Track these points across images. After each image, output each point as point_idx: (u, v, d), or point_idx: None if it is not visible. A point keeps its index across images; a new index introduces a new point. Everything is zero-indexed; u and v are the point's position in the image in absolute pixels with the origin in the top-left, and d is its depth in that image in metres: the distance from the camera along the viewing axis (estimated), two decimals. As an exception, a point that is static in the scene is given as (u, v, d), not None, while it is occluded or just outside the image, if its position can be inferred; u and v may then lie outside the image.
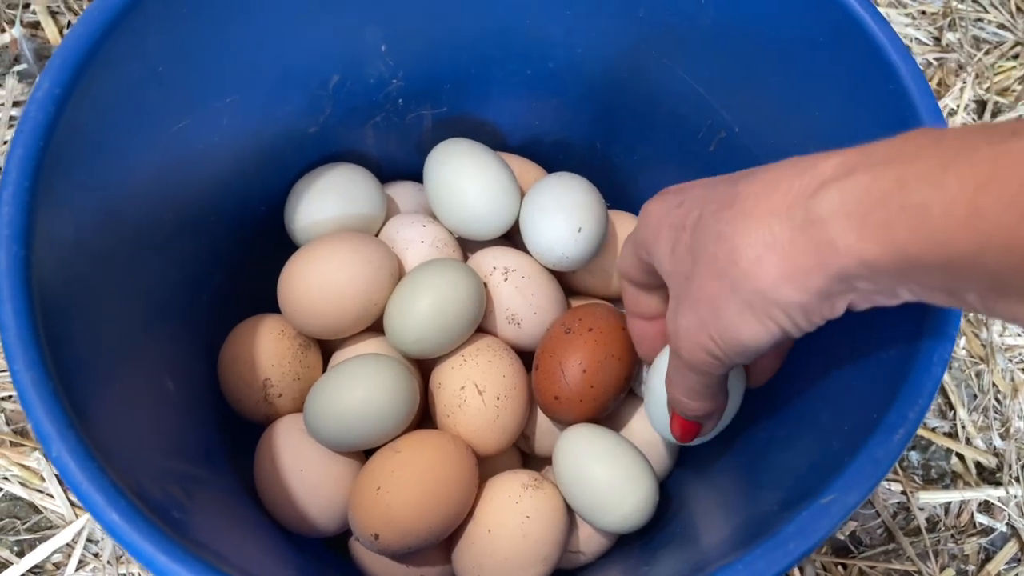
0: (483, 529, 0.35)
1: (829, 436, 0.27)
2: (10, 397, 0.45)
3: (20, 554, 0.42)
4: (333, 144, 0.41)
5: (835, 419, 0.28)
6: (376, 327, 0.38)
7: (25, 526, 0.43)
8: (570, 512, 0.37)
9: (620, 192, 0.44)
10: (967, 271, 0.18)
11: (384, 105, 0.41)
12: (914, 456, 0.51)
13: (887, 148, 0.20)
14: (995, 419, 0.52)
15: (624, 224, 0.42)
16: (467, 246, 0.42)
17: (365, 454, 0.36)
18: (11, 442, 0.44)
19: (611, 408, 0.38)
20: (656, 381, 0.32)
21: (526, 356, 0.39)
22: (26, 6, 0.53)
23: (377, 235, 0.41)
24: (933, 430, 0.51)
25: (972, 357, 0.53)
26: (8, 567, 0.42)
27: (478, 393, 0.36)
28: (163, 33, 0.29)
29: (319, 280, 0.36)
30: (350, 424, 0.34)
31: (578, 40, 0.38)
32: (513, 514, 0.35)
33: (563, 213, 0.38)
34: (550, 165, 0.44)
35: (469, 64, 0.40)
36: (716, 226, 0.23)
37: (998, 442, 0.51)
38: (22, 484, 0.43)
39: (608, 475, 0.35)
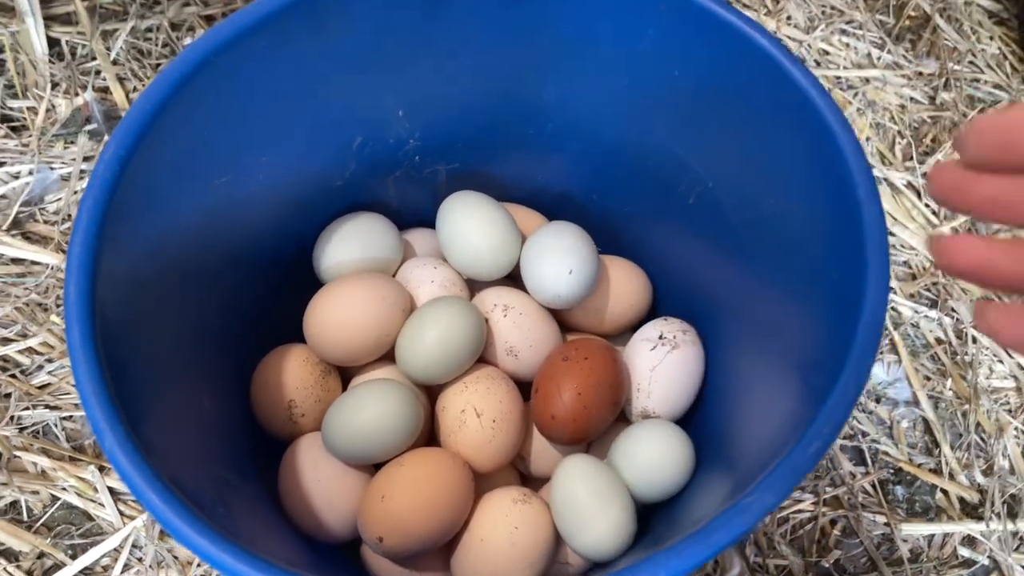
0: (477, 538, 0.39)
1: (770, 431, 0.31)
2: (70, 417, 0.51)
3: (73, 556, 0.48)
4: (357, 195, 0.46)
5: (761, 430, 0.32)
6: (389, 356, 0.43)
7: (79, 532, 0.48)
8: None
9: (615, 239, 0.48)
10: None
11: (403, 162, 0.46)
12: (899, 490, 0.53)
13: None
14: (978, 457, 0.54)
15: (618, 268, 0.47)
16: (473, 285, 0.47)
17: (374, 468, 0.41)
18: (70, 457, 0.50)
19: (602, 429, 0.42)
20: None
21: (523, 385, 0.44)
22: (97, 73, 0.60)
23: (394, 275, 0.46)
24: (919, 466, 0.54)
25: (958, 398, 0.56)
26: (63, 567, 0.47)
27: (476, 416, 0.40)
28: (209, 104, 0.34)
29: (340, 314, 0.41)
30: (361, 440, 0.39)
31: (573, 105, 0.43)
32: (503, 525, 0.39)
33: (556, 257, 0.43)
34: (553, 214, 0.49)
35: (478, 126, 0.45)
36: None
37: (981, 479, 0.53)
38: (78, 494, 0.49)
39: (587, 501, 0.39)
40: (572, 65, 0.41)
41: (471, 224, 0.44)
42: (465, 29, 0.39)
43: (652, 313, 0.48)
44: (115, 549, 0.48)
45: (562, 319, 0.46)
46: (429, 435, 0.43)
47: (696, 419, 0.44)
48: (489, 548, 0.39)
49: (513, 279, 0.47)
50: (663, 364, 0.43)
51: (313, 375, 0.42)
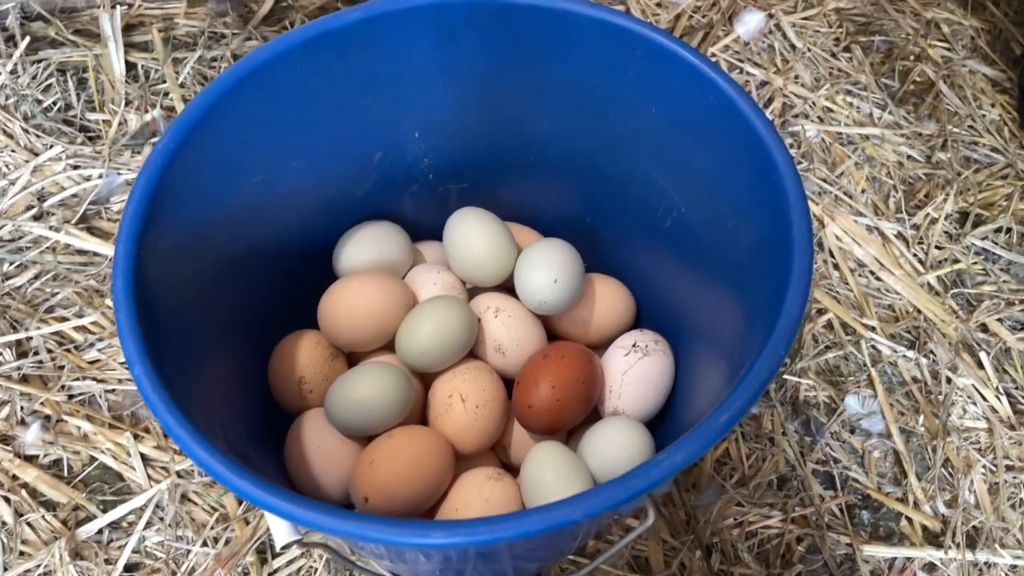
0: (453, 508, 0.44)
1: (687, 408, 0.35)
2: (113, 391, 0.57)
3: (104, 510, 0.53)
4: (376, 206, 0.52)
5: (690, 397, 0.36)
6: (391, 346, 0.49)
7: (111, 490, 0.54)
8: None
9: (605, 259, 0.54)
10: None
11: (418, 178, 0.52)
12: (865, 515, 0.57)
13: None
14: (943, 489, 0.57)
15: (604, 285, 0.52)
16: (472, 291, 0.52)
17: (368, 441, 0.46)
18: (109, 424, 0.56)
19: (574, 422, 0.46)
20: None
21: (508, 382, 0.49)
22: (166, 94, 0.68)
23: (403, 278, 0.52)
24: (886, 494, 0.57)
25: (929, 434, 0.59)
26: (93, 519, 0.53)
27: (461, 401, 0.46)
28: (248, 112, 0.41)
29: (350, 304, 0.47)
30: (358, 413, 0.44)
31: (568, 136, 0.49)
32: (476, 498, 0.44)
33: (544, 267, 0.48)
34: (550, 232, 0.54)
35: (484, 151, 0.51)
36: None
37: (944, 509, 0.56)
38: (113, 457, 0.55)
39: (551, 481, 0.43)
40: (567, 100, 0.47)
41: (474, 236, 0.50)
42: (474, 63, 0.46)
43: (634, 326, 0.53)
44: (141, 507, 0.54)
45: (551, 328, 0.51)
46: (420, 417, 0.48)
47: (666, 422, 0.49)
48: (463, 517, 0.43)
49: (508, 289, 0.52)
50: (634, 369, 0.47)
51: (323, 357, 0.48)
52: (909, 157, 0.73)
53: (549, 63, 0.46)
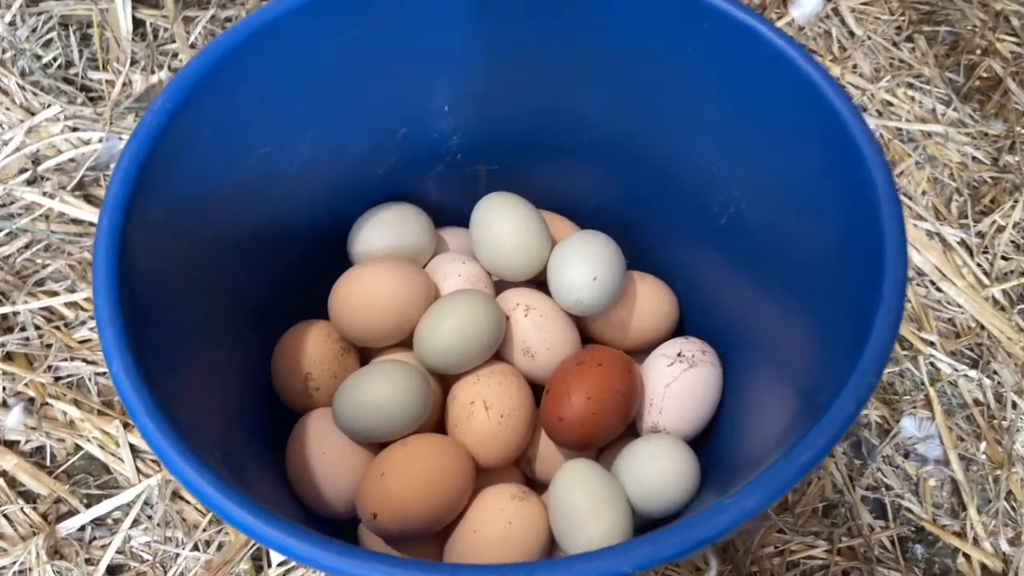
0: (471, 529, 0.39)
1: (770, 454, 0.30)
2: (104, 373, 0.53)
3: (88, 505, 0.49)
4: (397, 185, 0.47)
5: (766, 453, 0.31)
6: (408, 343, 0.44)
7: (96, 483, 0.50)
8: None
9: (645, 255, 0.48)
10: None
11: (444, 157, 0.47)
12: (919, 549, 0.52)
13: None
14: (1007, 525, 0.52)
15: (646, 285, 0.47)
16: (499, 285, 0.47)
17: (379, 449, 0.41)
18: (98, 411, 0.52)
19: (609, 438, 0.42)
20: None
21: (537, 388, 0.44)
22: (175, 55, 0.63)
23: (424, 267, 0.47)
24: (943, 527, 0.52)
25: (991, 462, 0.54)
26: (76, 514, 0.49)
27: (484, 408, 0.41)
28: (259, 73, 0.36)
29: (364, 295, 0.42)
30: (368, 417, 0.39)
31: (613, 118, 0.44)
32: (498, 519, 0.39)
33: (582, 263, 0.43)
34: (586, 224, 0.49)
35: (519, 132, 0.46)
36: None
37: (1007, 547, 0.51)
38: (100, 447, 0.50)
39: (583, 505, 0.38)
40: (616, 77, 0.42)
41: (504, 224, 0.45)
42: (516, 29, 0.40)
43: (677, 332, 0.48)
44: (128, 504, 0.49)
45: (585, 331, 0.46)
46: (438, 424, 0.43)
47: (709, 441, 0.44)
48: (482, 540, 0.39)
49: (539, 284, 0.47)
50: (678, 381, 0.42)
51: (332, 351, 0.43)
52: (974, 159, 0.67)
53: (600, 33, 0.40)
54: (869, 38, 0.72)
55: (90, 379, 0.52)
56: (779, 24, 0.72)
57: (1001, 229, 0.63)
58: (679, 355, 0.43)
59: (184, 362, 0.34)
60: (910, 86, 0.70)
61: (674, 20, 0.38)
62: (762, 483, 0.26)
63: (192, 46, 0.63)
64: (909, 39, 0.73)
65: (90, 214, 0.57)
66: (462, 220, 0.50)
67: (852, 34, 0.72)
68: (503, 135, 0.47)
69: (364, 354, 0.45)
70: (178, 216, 0.35)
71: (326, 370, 0.43)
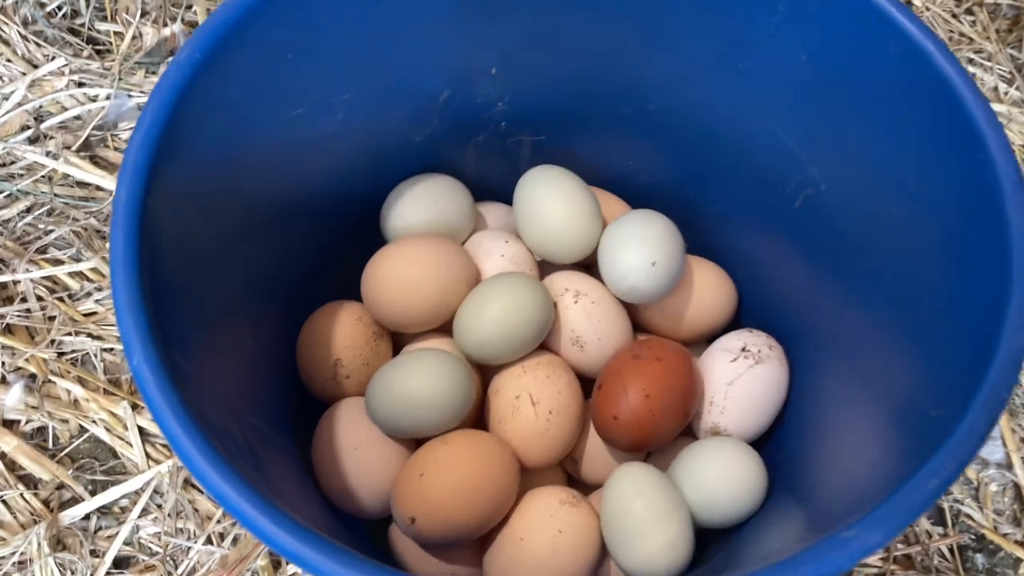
0: (516, 537, 0.36)
1: (868, 470, 0.27)
2: (111, 350, 0.49)
3: (93, 492, 0.46)
4: (435, 155, 0.43)
5: (853, 464, 0.28)
6: (445, 328, 0.40)
7: (102, 468, 0.46)
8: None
9: (702, 239, 0.45)
10: None
11: (487, 126, 0.43)
12: (980, 559, 0.48)
13: None
14: (1074, 535, 0.49)
15: (703, 271, 0.43)
16: (545, 268, 0.43)
17: (415, 444, 0.38)
18: (104, 390, 0.48)
19: (666, 440, 0.38)
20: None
21: (584, 381, 0.40)
22: (188, 7, 0.59)
23: (463, 244, 0.43)
24: (1004, 535, 0.49)
25: (1057, 468, 0.51)
26: (80, 502, 0.45)
27: (531, 404, 0.37)
28: (297, 25, 0.32)
29: (400, 274, 0.38)
30: (405, 410, 0.36)
31: (679, 86, 0.39)
32: (546, 526, 0.35)
33: (639, 245, 0.39)
34: (637, 203, 0.45)
35: (572, 97, 0.42)
36: None
37: (1074, 560, 0.48)
38: (107, 429, 0.47)
39: (642, 514, 0.35)
40: (686, 40, 0.38)
41: (552, 200, 0.41)
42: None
43: (734, 324, 0.44)
44: (136, 492, 0.46)
45: (635, 318, 0.43)
46: (477, 419, 0.40)
47: (771, 444, 0.40)
48: (527, 549, 0.35)
49: (587, 267, 0.43)
50: (742, 379, 0.39)
51: (364, 336, 0.39)
52: (1041, 141, 0.63)
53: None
54: (928, 9, 0.68)
55: (96, 355, 0.49)
56: (833, -8, 0.67)
57: (1068, 218, 0.59)
58: (743, 350, 0.39)
59: (206, 347, 0.30)
60: (971, 62, 0.66)
61: (761, -24, 0.34)
62: (886, 514, 0.23)
63: (207, -3, 0.59)
64: (969, 11, 0.69)
65: (97, 177, 0.52)
66: (500, 195, 0.47)
67: (910, 3, 0.68)
68: (554, 102, 0.42)
69: (397, 339, 0.42)
70: (204, 184, 0.31)
71: (357, 356, 0.39)
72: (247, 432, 0.31)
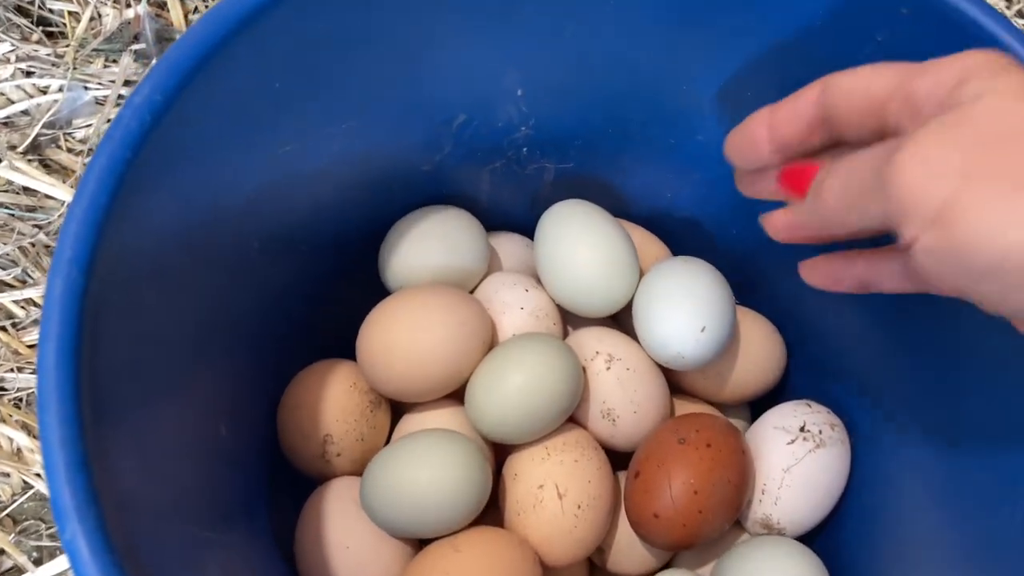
0: (540, 658, 0.30)
1: None
2: (62, 388, 0.43)
3: (38, 561, 0.39)
4: (444, 185, 0.37)
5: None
6: (453, 396, 0.34)
7: (48, 532, 0.40)
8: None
9: (747, 287, 0.39)
10: None
11: (507, 152, 0.37)
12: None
13: None
14: None
15: (749, 325, 0.37)
16: (570, 320, 0.37)
17: (420, 542, 0.32)
18: (53, 436, 0.41)
19: (713, 538, 0.33)
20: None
21: (615, 457, 0.35)
22: (156, -15, 0.51)
23: (473, 291, 0.37)
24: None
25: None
26: (23, 574, 0.39)
27: (558, 496, 0.32)
28: (288, 48, 0.25)
29: (406, 337, 0.32)
30: (410, 508, 0.30)
31: (741, 116, 0.33)
32: (577, 649, 0.30)
33: (686, 306, 0.33)
34: (673, 241, 0.40)
35: (608, 122, 0.36)
36: None
37: None
38: (55, 485, 0.41)
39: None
40: (755, 65, 0.31)
41: (582, 246, 0.35)
42: (630, -2, 0.30)
43: (779, 387, 0.39)
44: (88, 560, 0.39)
45: (672, 378, 0.37)
46: (488, 504, 0.34)
47: (824, 539, 0.35)
48: (552, 672, 0.30)
49: (615, 319, 0.38)
50: (801, 465, 0.33)
51: (359, 406, 0.33)
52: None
53: (733, 11, 0.30)
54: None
55: (44, 395, 0.42)
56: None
57: None
58: (802, 429, 0.34)
59: (158, 435, 0.25)
60: None
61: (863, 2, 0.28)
62: None
63: (178, -26, 0.51)
64: (1020, 14, 0.63)
65: (47, 185, 0.45)
66: (516, 224, 0.41)
67: None
68: (585, 127, 0.36)
69: (396, 406, 0.36)
70: (163, 246, 0.25)
71: (351, 431, 0.33)
72: (215, 524, 0.26)
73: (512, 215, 0.40)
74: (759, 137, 0.25)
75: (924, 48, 0.27)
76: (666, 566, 0.35)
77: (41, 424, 0.19)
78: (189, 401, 0.27)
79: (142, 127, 0.22)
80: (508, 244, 0.40)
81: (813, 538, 0.35)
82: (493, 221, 0.40)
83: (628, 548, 0.34)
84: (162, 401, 0.25)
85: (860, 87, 0.22)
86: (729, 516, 0.32)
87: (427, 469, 0.30)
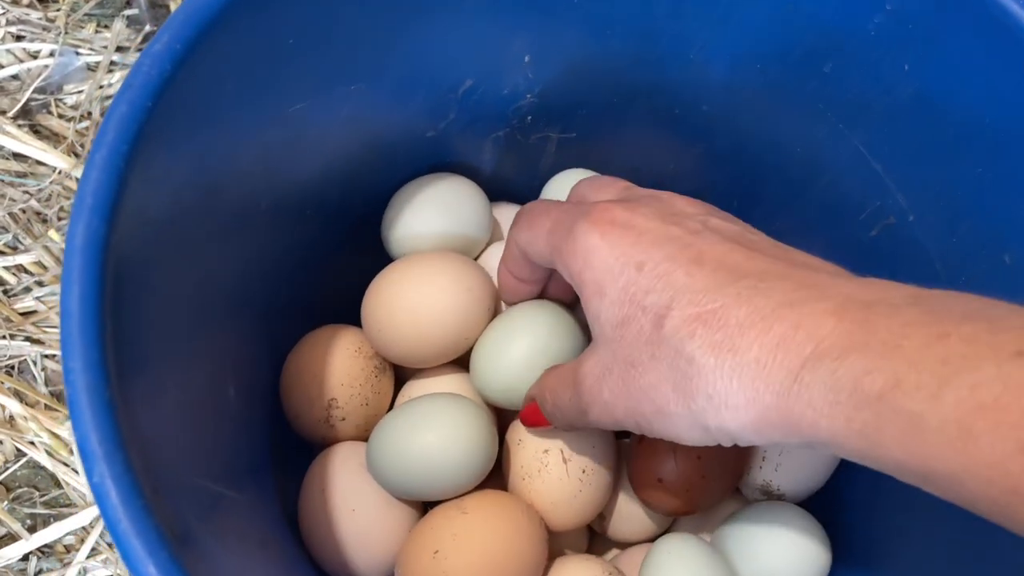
0: (544, 620, 0.30)
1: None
2: (54, 356, 0.42)
3: (32, 529, 0.39)
4: (448, 152, 0.37)
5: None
6: (458, 362, 0.34)
7: (43, 499, 0.40)
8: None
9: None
10: (945, 482, 0.18)
11: (511, 120, 0.37)
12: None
13: (888, 325, 0.19)
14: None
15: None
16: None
17: (425, 505, 0.32)
18: (46, 405, 0.41)
19: (714, 504, 0.33)
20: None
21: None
22: (150, -51, 0.50)
23: (476, 259, 0.37)
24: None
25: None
26: (16, 541, 0.39)
27: (563, 461, 0.32)
28: (303, 3, 0.25)
29: (411, 302, 0.32)
30: (417, 470, 0.30)
31: (746, 85, 0.34)
32: (581, 609, 0.30)
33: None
34: (673, 216, 0.40)
35: (614, 91, 0.36)
36: (691, 345, 0.22)
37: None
38: (49, 453, 0.40)
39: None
40: (759, 36, 0.32)
41: (585, 212, 0.35)
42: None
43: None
44: (83, 528, 0.39)
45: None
46: (493, 469, 0.34)
47: (824, 504, 0.35)
48: (557, 633, 0.30)
49: (619, 288, 0.38)
50: (801, 431, 0.34)
51: (364, 371, 0.33)
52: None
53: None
54: None
55: (36, 363, 0.42)
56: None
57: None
58: (802, 398, 0.34)
59: (173, 390, 0.24)
60: None
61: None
62: None
63: (171, -60, 0.51)
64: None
65: (38, 150, 0.45)
66: (517, 195, 0.41)
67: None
68: (592, 95, 0.36)
69: (400, 372, 0.36)
70: (180, 201, 0.24)
71: (356, 395, 0.33)
72: (218, 483, 0.26)
73: (515, 185, 0.40)
74: (509, 283, 0.32)
75: (930, 18, 0.28)
76: (664, 533, 0.36)
77: (66, 370, 0.18)
78: (199, 359, 0.27)
79: (162, 75, 0.21)
80: (509, 214, 0.40)
81: (813, 503, 0.35)
82: (496, 191, 0.40)
83: (628, 514, 0.35)
84: (175, 356, 0.24)
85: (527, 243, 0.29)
86: (731, 482, 0.33)
87: (435, 432, 0.30)
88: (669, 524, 0.36)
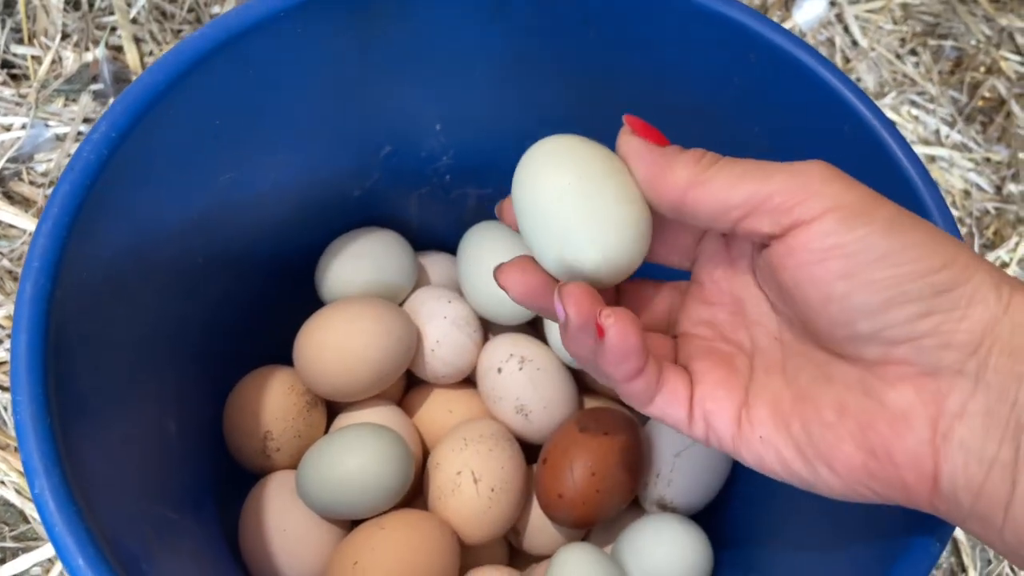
0: (456, 623, 0.34)
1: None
2: (24, 402, 0.46)
3: (2, 561, 0.42)
4: (375, 208, 0.41)
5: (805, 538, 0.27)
6: (386, 395, 0.38)
7: (12, 534, 0.43)
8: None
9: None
10: None
11: (431, 179, 0.41)
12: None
13: None
14: (1007, 588, 0.49)
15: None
16: (490, 327, 0.42)
17: (350, 523, 0.36)
18: (15, 447, 0.45)
19: (612, 516, 0.37)
20: None
21: (530, 449, 0.39)
22: (113, 29, 0.55)
23: (402, 303, 0.41)
24: (941, 589, 0.49)
25: (992, 519, 0.51)
26: (-14, 572, 0.42)
27: (473, 481, 0.36)
28: (225, 90, 0.30)
29: (337, 342, 0.36)
30: (340, 492, 0.34)
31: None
32: (489, 613, 0.34)
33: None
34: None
35: (519, 152, 0.41)
36: None
37: (1008, 614, 0.49)
38: (17, 491, 0.44)
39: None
40: (642, 103, 0.36)
41: (495, 259, 0.39)
42: (525, 45, 0.35)
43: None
44: (50, 559, 0.43)
45: (581, 379, 0.41)
46: (414, 491, 0.38)
47: (714, 514, 0.39)
48: (468, 636, 0.34)
49: (531, 325, 0.42)
50: (691, 449, 0.38)
51: (296, 406, 0.37)
52: (977, 186, 0.64)
53: (623, 56, 0.35)
54: (873, 49, 0.68)
55: (6, 409, 0.46)
56: (781, 29, 0.67)
57: (1006, 265, 0.60)
58: (691, 420, 0.38)
59: (115, 427, 0.28)
60: (914, 104, 0.67)
61: (712, 48, 0.33)
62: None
63: (134, 21, 0.56)
64: (913, 52, 0.70)
65: (10, 214, 0.49)
66: (445, 244, 0.45)
67: (856, 43, 0.68)
68: (500, 157, 0.40)
69: (332, 407, 0.40)
70: (119, 263, 0.29)
71: (289, 428, 0.37)
72: (164, 531, 0.29)
73: (441, 235, 0.44)
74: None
75: (772, 90, 0.33)
76: (576, 546, 0.39)
77: (14, 402, 0.22)
78: (141, 397, 0.31)
79: (99, 159, 0.26)
80: (438, 262, 0.44)
81: (703, 516, 0.39)
82: (423, 240, 0.44)
83: (540, 529, 0.39)
84: (116, 394, 0.28)
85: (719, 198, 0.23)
86: (625, 496, 0.37)
87: (355, 457, 0.34)
88: (581, 536, 0.40)
